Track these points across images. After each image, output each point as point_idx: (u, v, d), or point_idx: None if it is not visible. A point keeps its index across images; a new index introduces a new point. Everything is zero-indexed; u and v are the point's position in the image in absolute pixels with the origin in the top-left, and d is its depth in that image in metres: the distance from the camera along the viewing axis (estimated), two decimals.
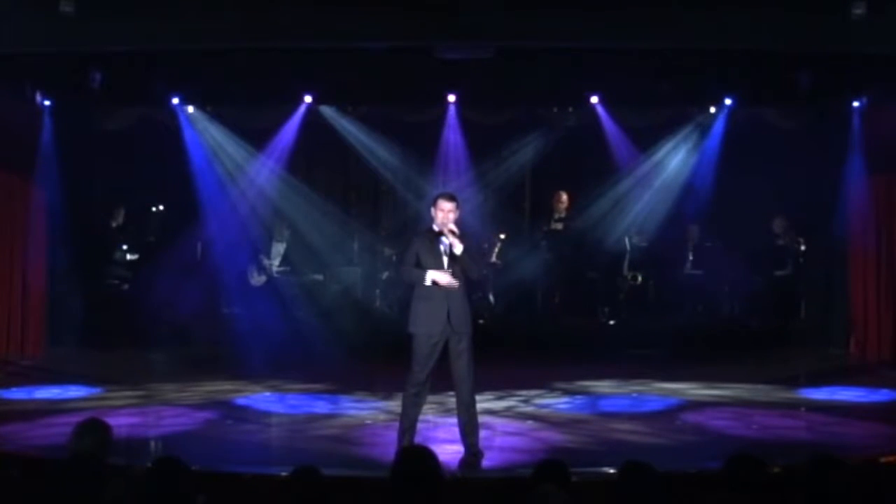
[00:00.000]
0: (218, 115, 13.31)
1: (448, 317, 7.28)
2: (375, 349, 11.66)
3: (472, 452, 7.36)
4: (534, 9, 9.11)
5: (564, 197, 13.70)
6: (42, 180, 11.96)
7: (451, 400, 9.36)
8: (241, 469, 6.92)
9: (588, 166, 13.88)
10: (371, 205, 14.67)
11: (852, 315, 12.16)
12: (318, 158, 14.39)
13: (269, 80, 11.77)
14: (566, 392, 9.99)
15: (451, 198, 7.38)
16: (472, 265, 7.39)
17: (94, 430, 5.10)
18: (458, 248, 7.24)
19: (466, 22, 9.20)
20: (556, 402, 9.55)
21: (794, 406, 9.62)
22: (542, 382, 10.24)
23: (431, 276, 7.26)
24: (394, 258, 13.64)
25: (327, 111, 13.43)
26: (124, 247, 13.79)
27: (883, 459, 6.94)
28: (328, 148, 13.97)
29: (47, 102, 12.06)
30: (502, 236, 13.81)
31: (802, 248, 13.35)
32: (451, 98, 13.16)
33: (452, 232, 7.25)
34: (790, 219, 13.38)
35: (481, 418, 7.78)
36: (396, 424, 7.56)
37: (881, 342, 11.68)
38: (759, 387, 10.15)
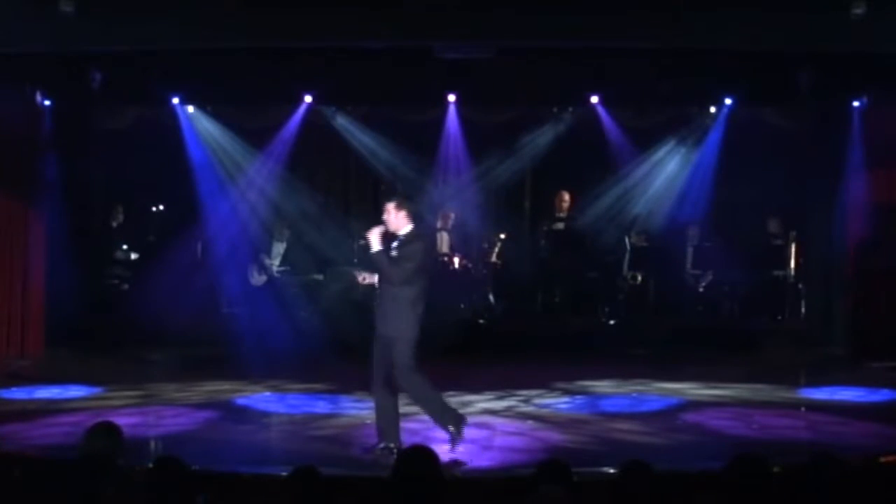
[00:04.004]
0: (218, 115, 13.31)
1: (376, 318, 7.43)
2: None
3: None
4: (534, 9, 9.11)
5: (567, 197, 13.70)
6: (42, 180, 11.97)
7: (451, 400, 9.38)
8: (241, 469, 6.91)
9: (588, 166, 13.88)
10: (371, 205, 14.66)
11: (852, 315, 12.15)
12: (318, 158, 14.40)
13: (269, 80, 11.78)
14: (566, 392, 9.99)
15: (389, 199, 7.59)
16: (378, 269, 7.43)
17: (106, 433, 5.09)
18: (372, 249, 7.35)
19: (466, 22, 9.21)
20: (556, 402, 9.55)
21: (794, 406, 9.62)
22: (542, 382, 10.23)
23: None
24: None
25: (327, 111, 13.43)
26: (124, 246, 13.80)
27: (883, 459, 6.93)
28: (328, 148, 13.98)
29: (47, 102, 12.06)
30: (502, 236, 13.82)
31: (802, 248, 13.35)
32: (451, 98, 13.16)
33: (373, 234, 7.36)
34: (790, 218, 13.39)
35: (482, 418, 7.82)
36: None
37: (881, 342, 11.68)
38: (759, 387, 10.14)
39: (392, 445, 7.33)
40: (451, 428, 7.48)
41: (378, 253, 7.31)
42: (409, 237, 7.40)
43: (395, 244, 7.41)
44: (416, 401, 7.57)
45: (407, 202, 7.56)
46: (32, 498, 4.87)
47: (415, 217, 7.57)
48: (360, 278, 7.57)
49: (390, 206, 7.45)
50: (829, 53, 9.90)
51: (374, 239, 7.32)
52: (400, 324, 7.33)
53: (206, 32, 9.21)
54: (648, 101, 12.76)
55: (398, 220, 7.40)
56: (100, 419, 5.49)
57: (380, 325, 7.38)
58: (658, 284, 13.43)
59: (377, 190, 14.59)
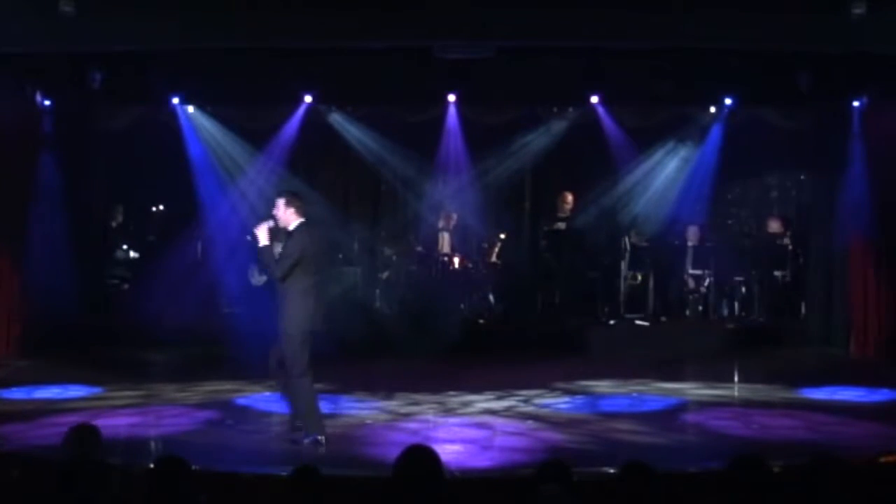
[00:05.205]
0: (218, 115, 13.31)
1: None
2: (375, 349, 11.67)
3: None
4: (534, 8, 9.12)
5: (570, 197, 13.68)
6: (42, 180, 11.96)
7: (451, 400, 9.40)
8: (241, 469, 6.91)
9: (588, 166, 13.88)
10: (371, 205, 14.68)
11: (852, 315, 12.15)
12: (318, 158, 14.39)
13: (269, 80, 11.77)
14: (566, 392, 9.99)
15: (279, 195, 7.71)
16: (264, 263, 7.63)
17: (84, 437, 5.07)
18: (259, 244, 7.53)
19: (466, 22, 9.21)
20: (556, 402, 9.55)
21: (794, 406, 9.62)
22: (542, 382, 10.23)
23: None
24: (394, 258, 13.66)
25: (327, 111, 13.44)
26: (124, 246, 13.79)
27: (883, 459, 6.93)
28: (328, 148, 13.98)
29: (47, 102, 12.06)
30: (502, 236, 13.81)
31: (802, 248, 13.35)
32: (451, 98, 13.16)
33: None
34: (790, 218, 13.39)
35: (482, 418, 7.78)
36: (397, 424, 7.58)
37: (881, 342, 11.68)
38: (759, 387, 10.15)
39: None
40: (310, 435, 7.61)
41: (263, 248, 7.51)
42: (293, 233, 7.54)
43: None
44: (292, 392, 7.70)
45: (296, 199, 7.68)
46: (32, 498, 4.87)
47: (305, 213, 7.67)
48: (252, 279, 7.71)
49: (280, 202, 7.62)
50: (829, 53, 9.89)
51: (262, 234, 7.50)
52: (286, 318, 7.50)
53: (206, 32, 9.22)
54: (648, 101, 12.74)
55: (287, 216, 7.58)
56: (78, 423, 5.45)
57: (277, 319, 7.57)
58: (658, 284, 13.43)
59: (377, 190, 14.60)
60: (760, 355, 11.87)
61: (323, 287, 7.76)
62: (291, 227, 7.55)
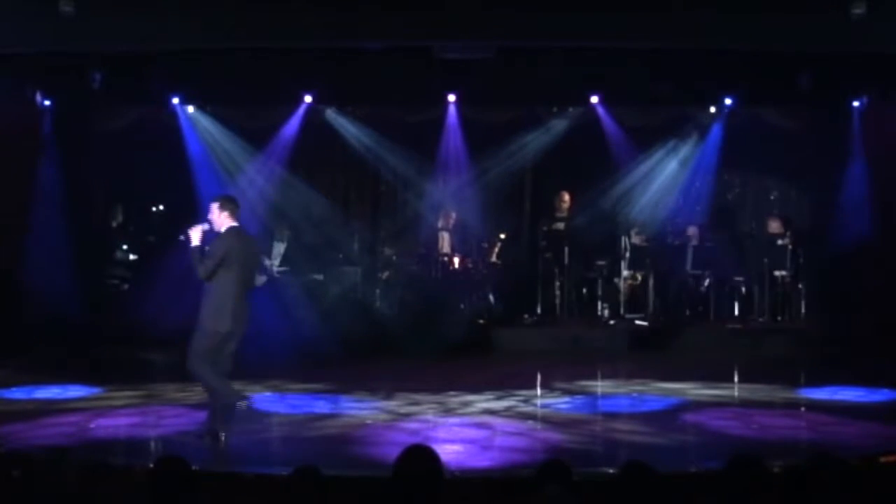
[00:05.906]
0: (218, 115, 13.31)
1: None
2: (375, 349, 11.66)
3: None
4: (534, 8, 9.12)
5: (567, 197, 13.68)
6: (42, 180, 11.97)
7: (451, 400, 9.40)
8: (241, 469, 6.91)
9: (588, 166, 13.88)
10: (371, 205, 14.68)
11: (852, 315, 12.14)
12: (318, 158, 14.40)
13: (269, 80, 11.78)
14: (566, 392, 9.99)
15: (213, 200, 7.87)
16: (193, 262, 7.73)
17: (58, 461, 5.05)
18: (191, 244, 7.67)
19: (466, 22, 9.21)
20: (556, 402, 9.55)
21: (794, 406, 9.62)
22: (543, 382, 10.24)
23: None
24: (394, 258, 13.66)
25: (327, 111, 13.44)
26: (124, 246, 13.79)
27: (883, 459, 6.93)
28: (328, 148, 13.98)
29: (47, 102, 12.07)
30: (502, 236, 13.81)
31: (802, 248, 13.35)
32: (451, 98, 13.17)
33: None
34: (790, 218, 13.39)
35: (481, 418, 7.78)
36: (396, 424, 7.57)
37: (881, 342, 11.68)
38: (759, 387, 10.14)
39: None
40: (215, 428, 7.73)
41: (193, 248, 7.69)
42: (220, 235, 7.70)
43: None
44: (204, 389, 7.99)
45: (229, 203, 7.82)
46: (32, 498, 4.87)
47: (237, 219, 7.80)
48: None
49: (214, 206, 7.79)
50: (829, 53, 9.90)
51: (195, 235, 7.68)
52: (203, 314, 7.68)
53: (206, 32, 9.23)
54: (648, 101, 12.75)
55: (220, 220, 7.75)
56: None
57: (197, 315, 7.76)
58: (658, 284, 13.44)
59: (377, 190, 14.60)
60: (760, 355, 11.87)
61: (248, 291, 7.87)
62: (222, 230, 7.68)
